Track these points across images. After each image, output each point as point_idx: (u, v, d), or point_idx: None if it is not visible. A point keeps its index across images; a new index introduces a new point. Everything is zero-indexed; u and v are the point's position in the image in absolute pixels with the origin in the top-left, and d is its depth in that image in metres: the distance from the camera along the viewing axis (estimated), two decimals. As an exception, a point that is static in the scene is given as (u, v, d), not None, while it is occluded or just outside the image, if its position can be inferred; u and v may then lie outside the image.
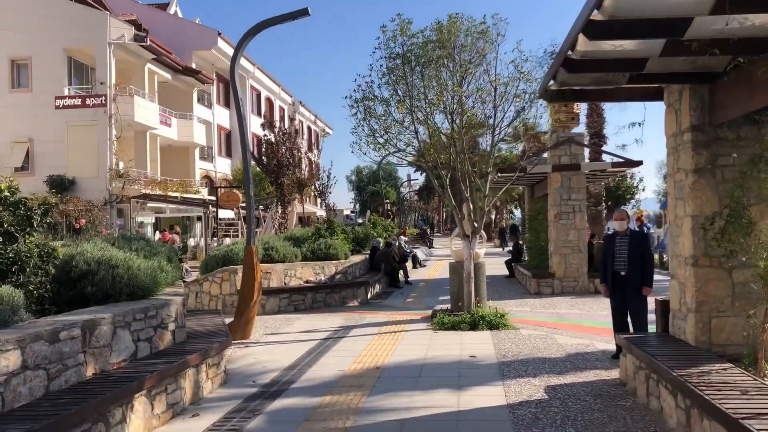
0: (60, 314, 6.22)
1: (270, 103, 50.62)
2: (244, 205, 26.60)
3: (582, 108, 35.63)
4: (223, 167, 42.06)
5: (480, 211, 12.17)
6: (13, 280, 6.24)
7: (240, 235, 30.33)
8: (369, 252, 20.05)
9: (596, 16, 4.55)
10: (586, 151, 23.25)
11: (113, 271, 7.24)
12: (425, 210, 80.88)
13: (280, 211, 27.27)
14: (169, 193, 31.45)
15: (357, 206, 70.95)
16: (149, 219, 32.57)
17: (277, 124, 30.73)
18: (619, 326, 8.36)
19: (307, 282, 15.35)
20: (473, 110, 11.87)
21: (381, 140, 11.98)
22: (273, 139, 27.40)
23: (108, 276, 7.18)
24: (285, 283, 14.94)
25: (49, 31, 28.92)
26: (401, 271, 20.17)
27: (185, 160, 37.38)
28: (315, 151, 50.14)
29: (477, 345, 9.81)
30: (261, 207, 30.26)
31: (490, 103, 11.74)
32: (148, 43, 30.68)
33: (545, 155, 17.66)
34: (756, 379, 5.21)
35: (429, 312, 12.87)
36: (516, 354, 9.10)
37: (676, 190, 6.94)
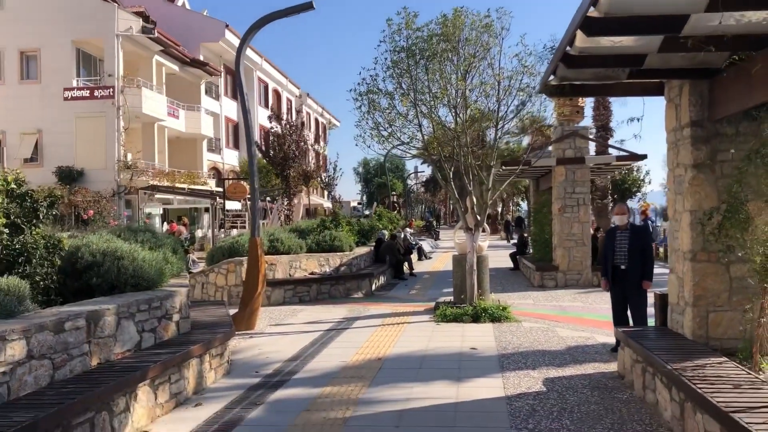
0: (65, 305, 6.33)
1: (277, 95, 50.66)
2: (250, 196, 26.77)
3: (589, 101, 35.59)
4: (230, 159, 42.18)
5: (483, 205, 12.22)
6: (20, 271, 6.35)
7: (247, 226, 30.48)
8: (374, 244, 20.14)
9: (593, 12, 4.59)
10: (593, 145, 23.25)
11: (118, 262, 7.35)
12: (432, 202, 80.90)
13: (286, 203, 27.37)
14: (177, 185, 31.60)
15: (364, 198, 71.05)
16: (157, 210, 32.74)
17: (285, 117, 30.82)
18: (619, 320, 8.42)
19: (311, 274, 15.46)
20: (477, 104, 11.91)
21: (385, 133, 12.05)
22: (279, 131, 27.47)
23: (113, 267, 7.29)
24: (290, 275, 15.06)
25: (57, 22, 29.06)
26: (406, 263, 20.26)
27: (193, 152, 37.50)
28: (321, 144, 50.17)
29: (478, 337, 9.89)
30: (268, 199, 30.39)
31: (494, 97, 11.78)
32: (156, 35, 30.74)
33: (550, 148, 17.68)
34: (749, 374, 5.27)
35: (432, 304, 12.96)
36: (517, 346, 9.18)
37: (676, 185, 6.98)
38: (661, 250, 22.41)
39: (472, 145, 12.28)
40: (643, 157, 16.72)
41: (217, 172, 39.82)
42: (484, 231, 12.96)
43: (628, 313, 8.38)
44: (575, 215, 16.62)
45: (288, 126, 27.80)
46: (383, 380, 7.41)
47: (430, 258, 27.69)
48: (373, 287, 16.34)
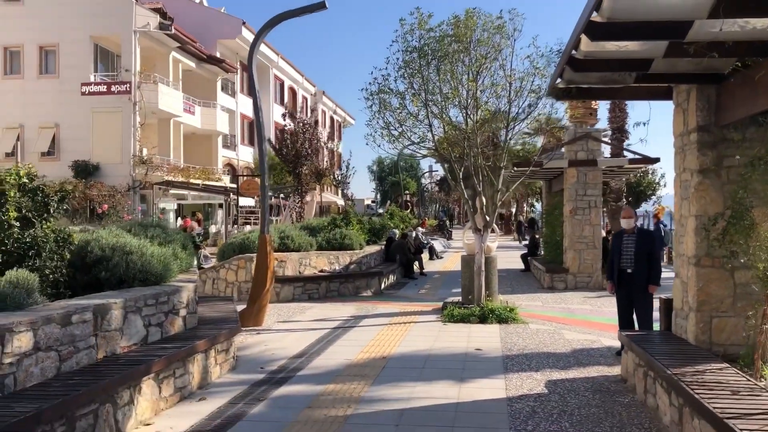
0: (74, 298, 6.43)
1: (293, 93, 50.85)
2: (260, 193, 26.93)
3: (604, 103, 35.39)
4: (245, 156, 42.41)
5: (493, 206, 12.23)
6: (30, 264, 6.46)
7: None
8: (385, 243, 20.18)
9: (596, 17, 4.60)
10: (607, 148, 23.13)
11: (127, 257, 7.46)
12: (446, 201, 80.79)
13: (298, 201, 27.51)
14: (192, 180, 31.85)
15: (378, 196, 71.11)
16: (171, 205, 33.00)
17: (299, 114, 30.95)
18: (625, 323, 8.41)
19: (321, 271, 15.54)
20: (488, 105, 11.92)
21: (395, 133, 12.10)
22: (292, 129, 27.61)
23: (122, 262, 7.40)
24: (300, 272, 15.15)
25: (76, 18, 29.38)
26: (416, 263, 20.29)
27: (208, 148, 37.77)
28: (335, 142, 50.29)
29: (484, 338, 9.91)
30: (282, 196, 30.53)
31: (505, 98, 11.78)
32: (173, 31, 30.98)
33: (562, 150, 17.63)
34: (749, 380, 5.26)
35: (441, 304, 12.98)
36: (522, 348, 9.19)
37: (682, 190, 6.97)
38: (674, 254, 22.24)
39: (483, 146, 12.28)
40: (656, 160, 16.63)
41: (231, 169, 40.06)
42: (493, 232, 12.96)
43: (634, 316, 8.37)
44: (586, 217, 16.57)
45: (301, 124, 27.91)
46: (386, 379, 7.47)
47: (441, 258, 27.70)
48: (383, 286, 16.40)
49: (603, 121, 38.75)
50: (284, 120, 29.54)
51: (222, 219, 35.33)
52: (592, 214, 16.59)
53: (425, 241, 27.54)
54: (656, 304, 8.24)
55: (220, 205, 36.15)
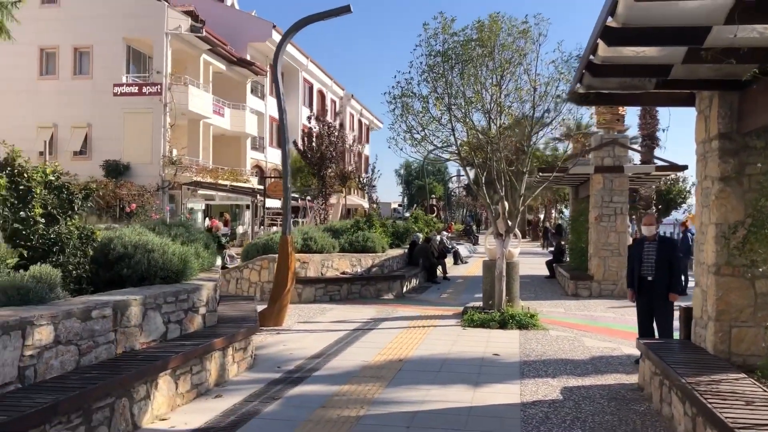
0: (95, 294, 6.58)
1: (322, 96, 51.16)
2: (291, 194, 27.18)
3: (635, 109, 35.00)
4: (273, 157, 42.76)
5: (515, 211, 12.19)
6: (54, 260, 6.62)
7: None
8: (408, 246, 20.20)
9: (611, 22, 4.59)
10: (637, 156, 22.88)
11: (149, 255, 7.58)
12: (474, 206, 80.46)
13: (321, 203, 27.69)
14: (220, 181, 32.23)
15: (405, 200, 71.09)
16: (200, 205, 33.44)
17: (328, 117, 31.18)
18: (645, 332, 8.32)
19: (343, 273, 15.62)
20: (511, 109, 11.89)
21: (418, 137, 12.12)
22: (317, 132, 27.80)
23: (144, 259, 7.53)
24: (322, 274, 15.24)
25: (110, 20, 29.95)
26: (440, 267, 20.27)
27: (237, 150, 38.19)
28: (359, 144, 50.42)
29: (503, 343, 9.87)
30: (308, 198, 30.75)
31: (529, 103, 11.75)
32: (204, 34, 31.43)
33: (589, 156, 17.48)
34: (765, 391, 5.18)
35: (461, 309, 12.96)
36: (540, 354, 9.14)
37: (703, 198, 6.88)
38: (694, 262, 21.88)
39: (506, 151, 12.24)
40: (684, 167, 16.41)
41: (259, 170, 40.44)
42: (515, 237, 12.91)
43: (654, 325, 8.28)
44: (612, 224, 16.41)
45: (326, 127, 28.09)
46: (401, 381, 7.49)
47: (466, 263, 27.62)
48: (404, 289, 16.42)
49: (634, 128, 38.45)
50: (309, 123, 29.73)
51: (249, 220, 35.71)
52: (618, 221, 16.41)
53: (450, 246, 27.49)
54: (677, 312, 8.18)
55: (248, 206, 36.53)
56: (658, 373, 6.47)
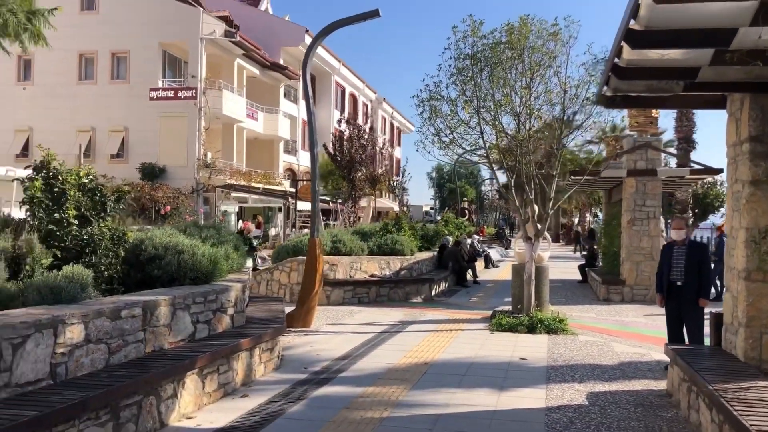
0: (125, 294, 6.73)
1: (354, 99, 51.40)
2: (321, 197, 27.39)
3: (671, 112, 34.43)
4: (305, 161, 42.95)
5: (544, 215, 12.11)
6: (86, 260, 6.80)
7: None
8: (438, 249, 20.17)
9: (634, 25, 4.56)
10: (673, 159, 22.48)
11: (179, 256, 7.72)
12: (507, 209, 79.92)
13: (351, 206, 27.82)
14: (253, 184, 32.61)
15: (437, 203, 70.96)
16: (233, 208, 33.86)
17: (359, 121, 31.32)
18: (674, 337, 8.19)
19: (372, 276, 15.68)
20: (541, 112, 11.82)
21: (446, 140, 12.13)
22: (347, 135, 27.96)
23: (174, 261, 7.66)
24: (350, 276, 15.32)
25: (146, 26, 30.58)
26: (470, 270, 20.19)
27: (270, 153, 38.61)
28: (391, 148, 50.49)
29: (530, 348, 9.81)
30: (339, 201, 30.92)
31: (559, 106, 11.67)
32: (238, 39, 31.87)
33: (622, 159, 17.27)
34: (794, 399, 5.07)
35: (490, 313, 12.91)
36: (568, 359, 9.07)
37: (733, 201, 6.77)
38: (725, 267, 21.40)
39: (536, 154, 12.16)
40: (720, 171, 16.08)
41: (292, 173, 40.78)
42: (545, 241, 12.82)
43: (684, 330, 8.15)
44: (645, 228, 16.17)
45: (356, 130, 28.22)
46: (426, 384, 7.50)
47: (497, 266, 27.47)
48: (433, 293, 16.40)
49: (670, 131, 37.80)
50: (340, 126, 29.92)
51: (281, 222, 36.05)
52: (651, 225, 16.17)
53: (481, 249, 27.36)
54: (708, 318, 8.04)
55: (280, 209, 36.87)
56: (686, 379, 6.38)
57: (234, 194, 32.08)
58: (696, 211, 34.93)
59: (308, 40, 39.23)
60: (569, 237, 51.73)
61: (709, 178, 28.65)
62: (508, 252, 37.19)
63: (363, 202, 29.97)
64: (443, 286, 17.80)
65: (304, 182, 30.94)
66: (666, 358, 8.73)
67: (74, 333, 5.28)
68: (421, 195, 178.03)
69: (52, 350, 5.03)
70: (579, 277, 21.50)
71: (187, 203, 28.12)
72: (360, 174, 27.95)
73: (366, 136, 28.52)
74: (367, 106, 54.22)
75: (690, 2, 3.89)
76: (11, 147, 30.89)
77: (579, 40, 15.98)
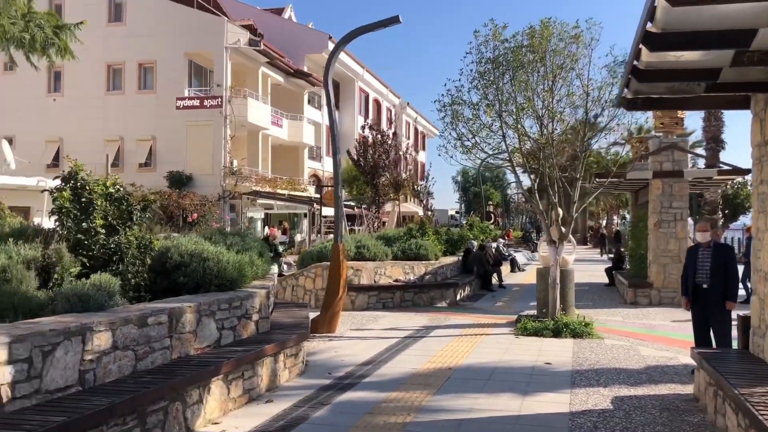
0: (152, 301, 6.85)
1: (378, 105, 51.54)
2: (345, 203, 27.53)
3: (698, 111, 33.92)
4: (330, 167, 42.88)
5: (568, 218, 12.04)
6: (114, 268, 6.94)
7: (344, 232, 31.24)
8: (462, 254, 20.13)
9: (651, 27, 4.55)
10: (693, 158, 22.15)
11: (204, 263, 7.83)
12: (533, 213, 79.42)
13: (374, 211, 27.88)
14: (278, 191, 32.89)
15: (462, 207, 70.72)
16: (259, 215, 34.17)
17: (383, 126, 31.41)
18: (701, 341, 8.10)
19: (396, 281, 15.71)
20: (564, 115, 11.76)
21: (468, 144, 12.12)
22: (370, 141, 28.04)
23: (199, 268, 7.77)
24: (375, 281, 15.37)
25: (172, 36, 31.06)
26: (495, 275, 20.11)
27: (294, 159, 38.88)
28: (415, 152, 50.45)
29: (555, 352, 9.76)
30: (364, 206, 31.02)
31: (582, 108, 11.60)
32: (262, 47, 32.18)
33: (648, 161, 17.08)
34: (822, 403, 4.99)
35: (515, 317, 12.86)
36: (593, 363, 9.00)
37: (759, 203, 6.68)
38: (752, 269, 21.03)
39: (559, 157, 12.09)
40: (747, 171, 15.81)
41: (317, 179, 41.02)
42: (570, 244, 12.74)
43: (711, 334, 8.05)
44: (672, 231, 15.98)
45: (379, 135, 28.29)
46: (449, 389, 7.51)
47: (523, 270, 27.29)
48: (458, 297, 16.38)
49: (698, 131, 37.27)
50: (363, 132, 30.05)
51: (307, 228, 36.27)
52: (678, 227, 15.97)
53: (506, 253, 27.23)
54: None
55: (305, 215, 37.11)
56: (712, 383, 6.30)
57: (260, 201, 32.37)
58: (726, 211, 34.40)
59: (331, 46, 39.40)
60: (596, 240, 51.20)
61: (739, 179, 28.23)
62: (534, 255, 36.95)
63: (387, 207, 29.99)
64: (468, 290, 17.76)
65: (329, 188, 31.12)
66: (693, 362, 8.65)
67: (102, 340, 5.40)
68: (447, 199, 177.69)
69: (80, 357, 5.15)
70: (606, 280, 21.29)
71: (214, 210, 28.43)
72: (383, 179, 28.00)
73: (389, 141, 28.56)
74: (390, 111, 54.32)
75: (705, 4, 3.87)
76: (42, 157, 31.53)
77: (601, 42, 15.85)
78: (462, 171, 75.25)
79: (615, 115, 11.56)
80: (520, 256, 30.00)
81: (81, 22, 8.84)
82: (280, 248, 19.28)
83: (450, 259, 18.73)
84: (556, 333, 11.08)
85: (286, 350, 7.90)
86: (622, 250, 23.10)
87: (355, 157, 28.06)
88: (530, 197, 12.52)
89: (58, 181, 7.31)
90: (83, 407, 4.69)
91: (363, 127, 30.36)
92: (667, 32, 4.50)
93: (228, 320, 7.40)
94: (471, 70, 11.99)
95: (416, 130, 61.45)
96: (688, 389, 7.52)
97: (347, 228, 26.75)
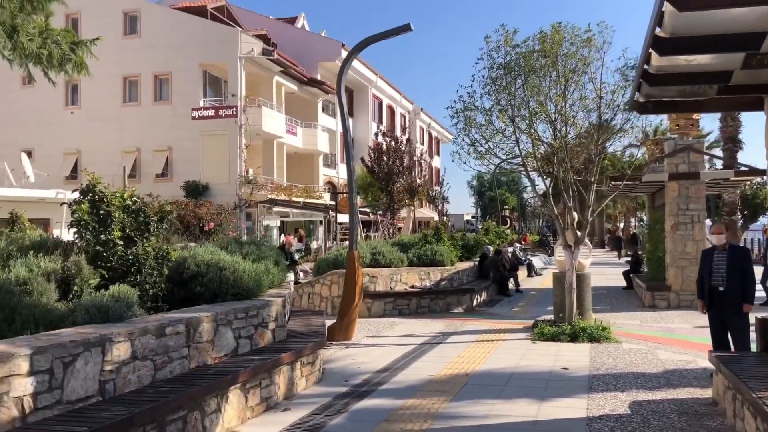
0: (169, 312, 6.93)
1: (391, 111, 51.66)
2: (361, 209, 27.61)
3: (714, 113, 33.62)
4: (345, 174, 43.28)
5: (583, 221, 12.01)
6: (132, 279, 7.04)
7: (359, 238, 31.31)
8: (478, 259, 20.10)
9: (660, 32, 4.57)
10: (711, 159, 21.99)
11: (221, 273, 7.91)
12: (550, 217, 78.95)
13: (389, 217, 27.93)
14: (294, 199, 33.05)
15: (478, 211, 70.56)
16: (275, 223, 34.35)
17: (397, 132, 31.48)
18: (718, 344, 8.04)
19: (412, 287, 15.72)
20: (576, 119, 11.75)
21: (482, 149, 12.14)
22: (384, 148, 28.12)
23: (216, 277, 7.85)
24: (390, 288, 15.39)
25: (187, 48, 31.40)
26: (511, 279, 20.05)
27: (310, 167, 39.06)
28: (429, 158, 50.47)
29: (572, 357, 9.73)
30: (379, 213, 31.08)
31: (595, 112, 11.59)
32: (276, 56, 32.44)
33: (664, 163, 16.99)
34: (842, 406, 4.95)
35: (531, 322, 12.82)
36: (610, 368, 8.96)
37: (775, 205, 6.64)
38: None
39: (573, 161, 12.07)
40: (764, 172, 15.66)
41: (332, 186, 41.15)
42: (586, 247, 12.69)
43: (729, 337, 7.99)
44: (689, 233, 15.85)
45: (393, 142, 28.37)
46: (466, 396, 7.52)
47: (540, 275, 27.17)
48: (474, 303, 16.35)
49: (715, 132, 36.97)
50: (377, 138, 30.15)
51: (322, 235, 36.39)
52: (695, 230, 15.85)
53: (523, 258, 27.14)
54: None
55: (321, 222, 37.25)
56: (730, 387, 6.26)
57: (275, 209, 32.53)
58: (745, 212, 34.04)
59: (344, 54, 39.67)
60: (613, 242, 50.84)
61: (758, 179, 27.96)
62: (551, 260, 36.75)
63: (402, 213, 30.02)
64: (485, 295, 17.73)
65: (344, 195, 31.21)
66: (712, 366, 8.59)
67: (121, 351, 5.47)
68: (463, 203, 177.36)
69: (100, 368, 5.23)
70: (624, 283, 21.16)
71: (230, 219, 28.62)
72: (398, 185, 28.06)
73: (403, 148, 28.63)
74: (404, 117, 54.43)
75: (711, 9, 3.89)
76: (60, 170, 31.95)
77: (614, 45, 15.84)
78: (477, 175, 75.04)
79: (628, 118, 11.52)
80: (537, 260, 29.88)
81: (97, 38, 8.98)
82: (296, 256, 19.38)
83: (466, 265, 18.71)
84: (573, 338, 11.05)
85: (302, 358, 7.95)
86: (640, 252, 22.95)
87: (370, 164, 28.13)
88: (545, 201, 12.51)
89: (76, 194, 7.44)
90: (104, 417, 4.77)
91: (377, 134, 30.45)
92: (675, 36, 4.52)
93: (245, 329, 7.47)
94: (483, 76, 12.06)
95: (430, 135, 61.51)
96: (707, 393, 7.47)
97: (363, 234, 26.81)
